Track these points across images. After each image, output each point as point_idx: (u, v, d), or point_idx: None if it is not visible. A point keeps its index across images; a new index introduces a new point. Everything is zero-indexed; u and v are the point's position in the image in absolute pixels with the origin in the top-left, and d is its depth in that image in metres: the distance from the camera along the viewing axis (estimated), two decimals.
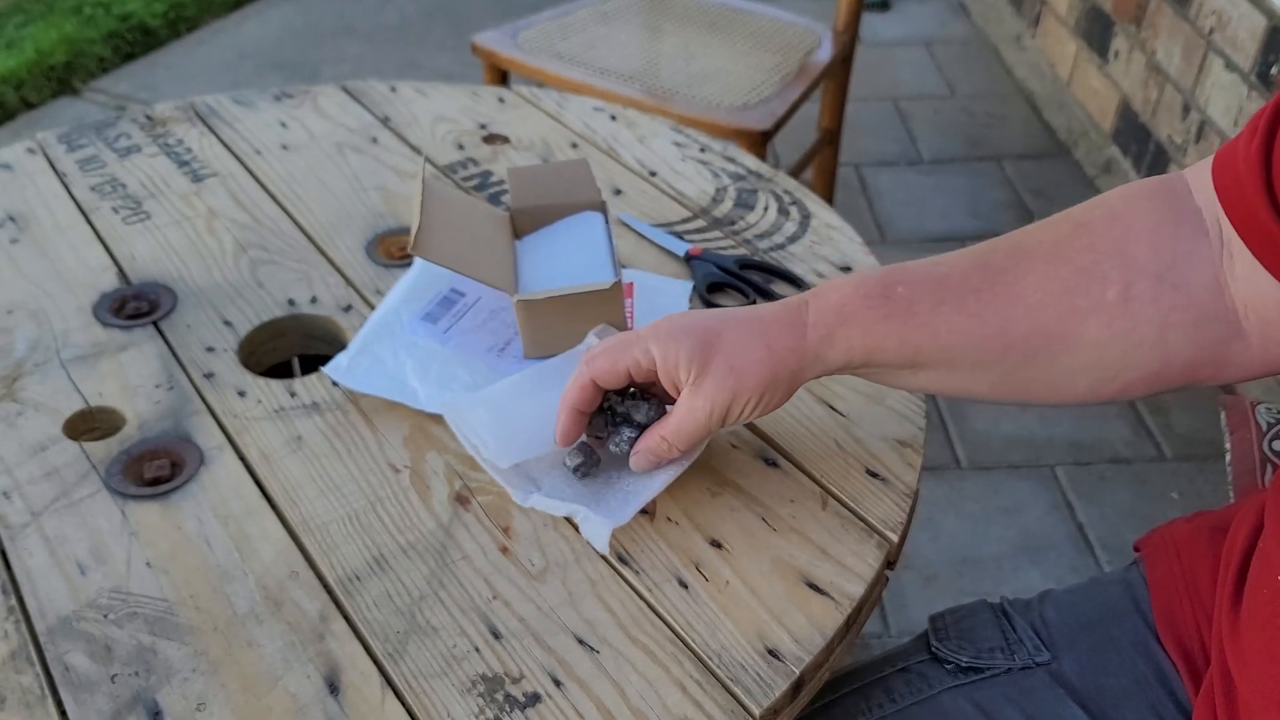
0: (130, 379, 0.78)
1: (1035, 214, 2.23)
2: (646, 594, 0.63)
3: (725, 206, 0.97)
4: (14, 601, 0.63)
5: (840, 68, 1.85)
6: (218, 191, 0.98)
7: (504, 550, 0.66)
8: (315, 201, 0.96)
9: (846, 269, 0.89)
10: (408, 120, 1.08)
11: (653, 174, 1.01)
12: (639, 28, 1.86)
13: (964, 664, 0.70)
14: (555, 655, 0.60)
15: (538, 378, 0.71)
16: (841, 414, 0.75)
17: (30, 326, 0.82)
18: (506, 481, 0.68)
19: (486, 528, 0.67)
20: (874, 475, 0.71)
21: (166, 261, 0.89)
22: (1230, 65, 1.84)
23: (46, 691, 0.58)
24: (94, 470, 0.71)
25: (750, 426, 0.74)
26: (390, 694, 0.58)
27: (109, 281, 0.87)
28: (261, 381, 0.78)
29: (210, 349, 0.81)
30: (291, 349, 0.86)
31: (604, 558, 0.65)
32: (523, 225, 0.84)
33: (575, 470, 0.68)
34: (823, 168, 1.98)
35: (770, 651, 0.60)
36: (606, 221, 0.82)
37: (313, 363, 0.81)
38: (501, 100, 1.12)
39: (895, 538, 0.67)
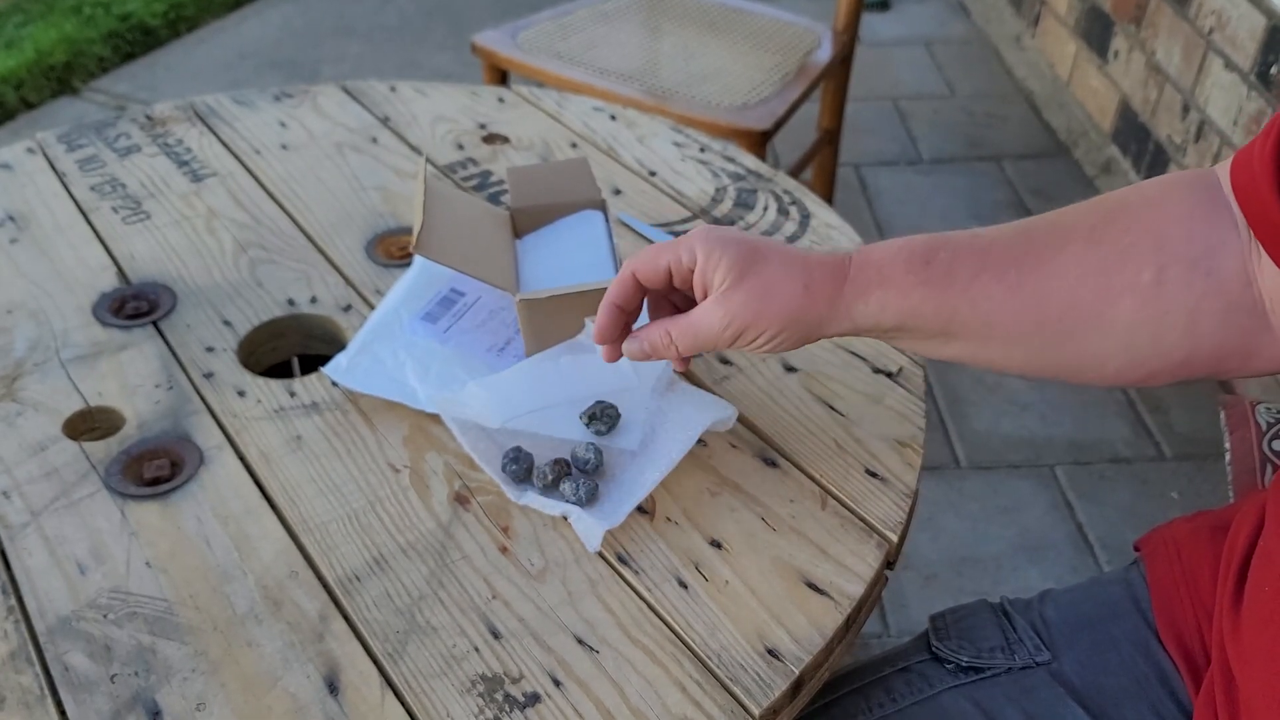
0: (130, 379, 0.78)
1: (1035, 213, 2.22)
2: (646, 594, 0.63)
3: (725, 206, 0.97)
4: (13, 601, 0.63)
5: (840, 68, 1.85)
6: (217, 191, 0.98)
7: (503, 550, 0.66)
8: (315, 201, 0.96)
9: None
10: (407, 120, 1.08)
11: (652, 174, 1.01)
12: (639, 27, 1.86)
13: (964, 664, 0.70)
14: (555, 655, 0.60)
15: (533, 365, 0.72)
16: (841, 414, 0.75)
17: (30, 326, 0.82)
18: (500, 479, 0.69)
19: (486, 527, 0.67)
20: (874, 475, 0.71)
21: (166, 261, 0.89)
22: (1230, 65, 1.84)
23: (46, 691, 0.58)
24: (93, 470, 0.71)
25: (750, 427, 0.74)
26: (390, 694, 0.58)
27: (108, 281, 0.87)
28: (261, 381, 0.78)
29: (210, 349, 0.80)
30: (291, 349, 0.86)
31: (604, 558, 0.65)
32: (523, 224, 0.84)
33: (599, 434, 0.71)
34: (822, 168, 1.98)
35: (770, 651, 0.60)
36: (607, 220, 0.82)
37: (312, 363, 0.81)
38: (501, 100, 1.12)
39: (895, 537, 0.67)
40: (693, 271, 0.64)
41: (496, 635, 0.61)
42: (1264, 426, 0.87)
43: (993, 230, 0.65)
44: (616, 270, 0.75)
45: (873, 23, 2.93)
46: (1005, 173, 2.36)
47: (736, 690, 0.58)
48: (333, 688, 0.58)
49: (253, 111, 1.09)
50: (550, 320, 0.75)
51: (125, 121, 1.07)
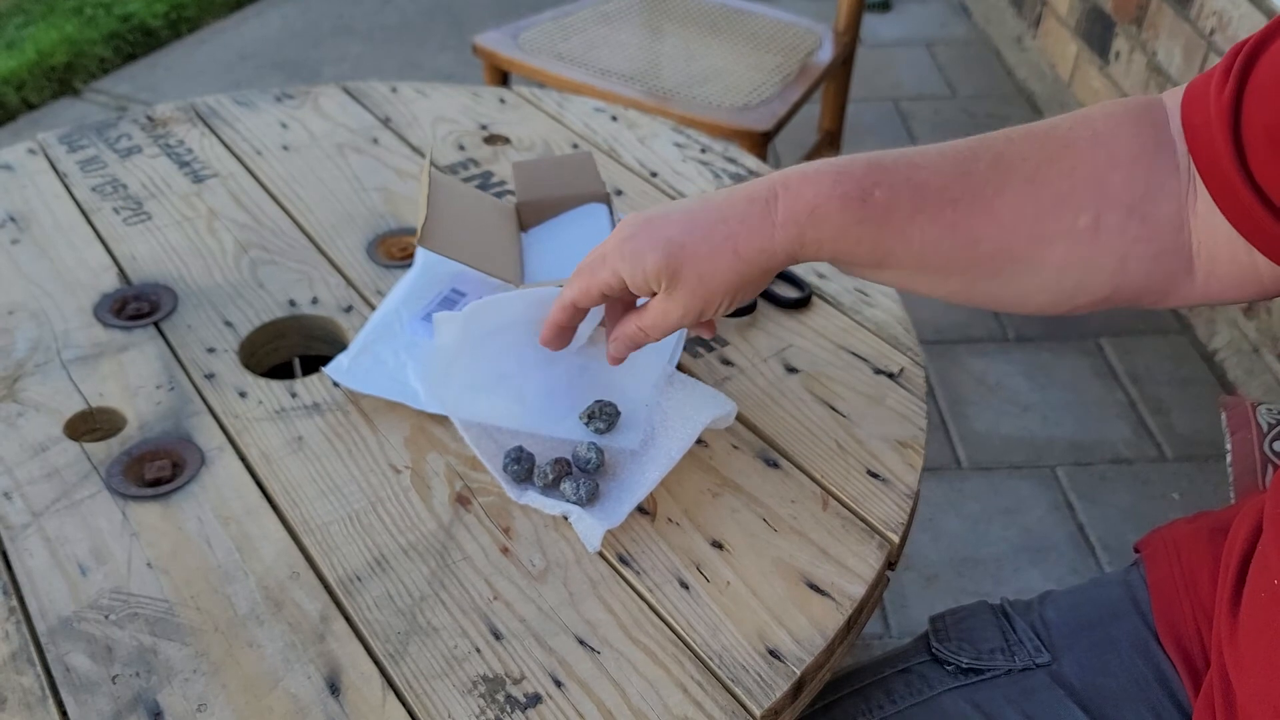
0: (131, 379, 0.78)
1: None
2: (647, 595, 0.63)
3: None
4: (15, 602, 0.63)
5: (841, 68, 1.85)
6: (218, 192, 0.98)
7: (504, 551, 0.66)
8: (316, 202, 0.97)
9: None
10: (408, 120, 1.08)
11: (653, 175, 1.01)
12: (640, 28, 1.86)
13: (964, 665, 0.70)
14: (556, 656, 0.60)
15: (497, 310, 0.72)
16: (842, 414, 0.75)
17: (31, 327, 0.82)
18: (501, 478, 0.69)
19: (487, 528, 0.67)
20: (874, 476, 0.71)
21: (167, 262, 0.89)
22: None
23: (47, 692, 0.58)
24: (95, 471, 0.71)
25: (750, 427, 0.74)
26: (391, 695, 0.58)
27: (110, 282, 0.87)
28: (262, 382, 0.78)
29: (211, 349, 0.81)
30: (292, 349, 0.86)
31: (605, 559, 0.66)
32: (528, 218, 0.84)
33: (598, 432, 0.71)
34: None
35: (771, 652, 0.60)
36: (611, 214, 0.82)
37: (313, 363, 0.81)
38: (502, 101, 1.12)
39: (896, 538, 0.67)
40: (625, 289, 0.65)
41: (498, 636, 0.61)
42: (1265, 428, 0.87)
43: (932, 158, 0.63)
44: None
45: (874, 23, 2.93)
46: None
47: (738, 691, 0.58)
48: (334, 688, 0.58)
49: (254, 112, 1.09)
50: None
51: (126, 122, 1.07)
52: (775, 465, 0.72)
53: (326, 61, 2.78)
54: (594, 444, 0.70)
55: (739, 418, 0.75)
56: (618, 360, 0.70)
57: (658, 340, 0.68)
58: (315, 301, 0.85)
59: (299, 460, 0.72)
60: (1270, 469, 0.85)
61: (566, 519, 0.67)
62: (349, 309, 0.85)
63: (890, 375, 0.79)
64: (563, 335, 0.70)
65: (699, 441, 0.72)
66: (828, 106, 1.91)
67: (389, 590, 0.64)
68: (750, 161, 1.02)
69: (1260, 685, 0.57)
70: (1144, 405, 1.80)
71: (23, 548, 0.66)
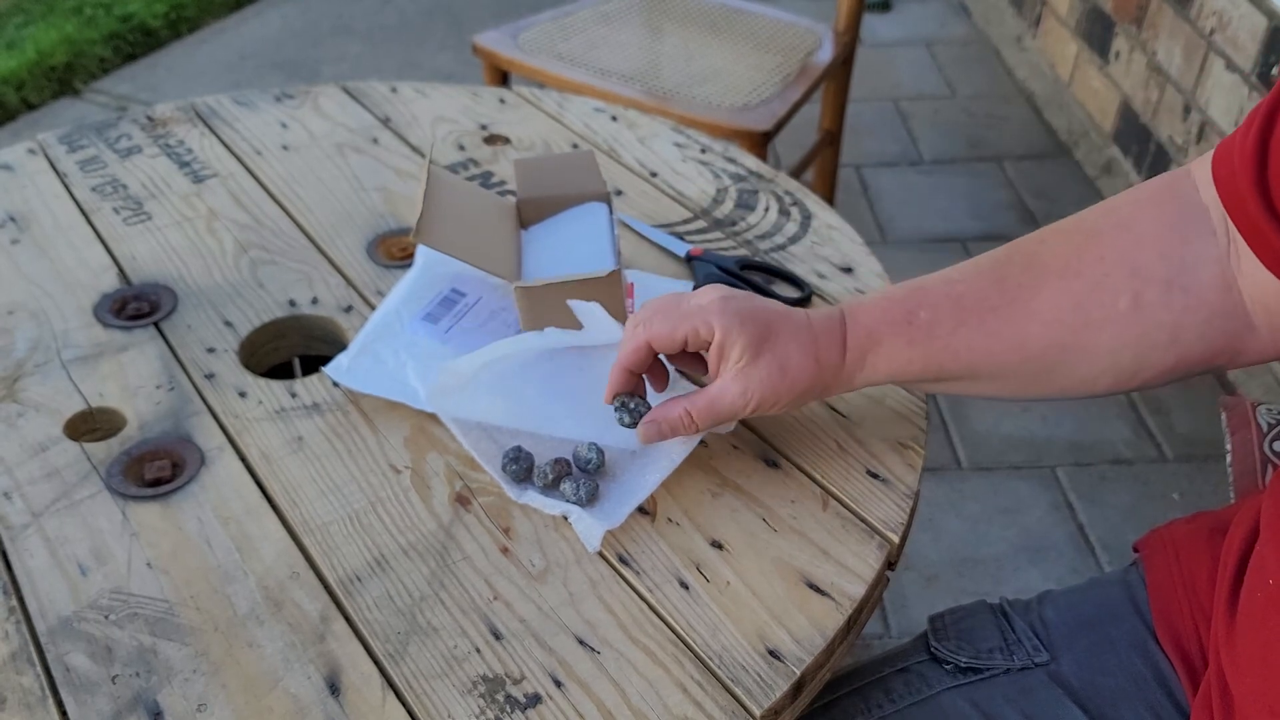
0: (131, 379, 0.78)
1: (1036, 214, 2.23)
2: (647, 595, 0.63)
3: (726, 207, 0.97)
4: (15, 602, 0.63)
5: (841, 68, 1.85)
6: (218, 192, 0.98)
7: (504, 551, 0.66)
8: (316, 202, 0.97)
9: (848, 270, 0.89)
10: (408, 120, 1.08)
11: (653, 175, 1.01)
12: (639, 28, 1.86)
13: (963, 664, 0.70)
14: (556, 656, 0.60)
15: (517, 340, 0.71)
16: (842, 414, 0.76)
17: (31, 327, 0.82)
18: (501, 478, 0.69)
19: (487, 528, 0.67)
20: (875, 476, 0.71)
21: (167, 262, 0.89)
22: (1231, 66, 1.84)
23: (47, 692, 0.58)
24: (95, 471, 0.71)
25: (750, 427, 0.74)
26: (391, 695, 0.58)
27: (110, 282, 0.87)
28: (262, 382, 0.78)
29: (211, 349, 0.81)
30: (292, 349, 0.86)
31: (605, 559, 0.66)
32: (529, 215, 0.84)
33: (622, 423, 0.68)
34: (823, 168, 1.98)
35: (771, 652, 0.60)
36: (611, 212, 0.82)
37: (313, 363, 0.81)
38: (502, 101, 1.12)
39: (896, 538, 0.67)
40: (708, 344, 0.65)
41: (498, 636, 0.61)
42: (1265, 428, 0.87)
43: (968, 273, 0.66)
44: (616, 260, 0.76)
45: (874, 23, 2.93)
46: (1006, 173, 2.36)
47: (738, 691, 0.58)
48: (334, 688, 0.58)
49: (253, 112, 1.09)
50: (549, 309, 0.75)
51: (126, 122, 1.07)
52: (775, 465, 0.72)
53: (326, 61, 2.78)
54: (594, 444, 0.70)
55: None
56: (647, 442, 0.68)
57: (694, 433, 0.67)
58: (315, 301, 0.85)
59: (299, 460, 0.72)
60: (1270, 469, 0.85)
61: (566, 519, 0.67)
62: (349, 309, 0.85)
63: None
64: (629, 382, 0.68)
65: (699, 442, 0.71)
66: (828, 106, 1.91)
67: (389, 590, 0.64)
68: (750, 161, 1.02)
69: (1256, 685, 0.58)
70: (1144, 405, 1.80)
71: (23, 548, 0.66)
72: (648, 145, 1.05)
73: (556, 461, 0.69)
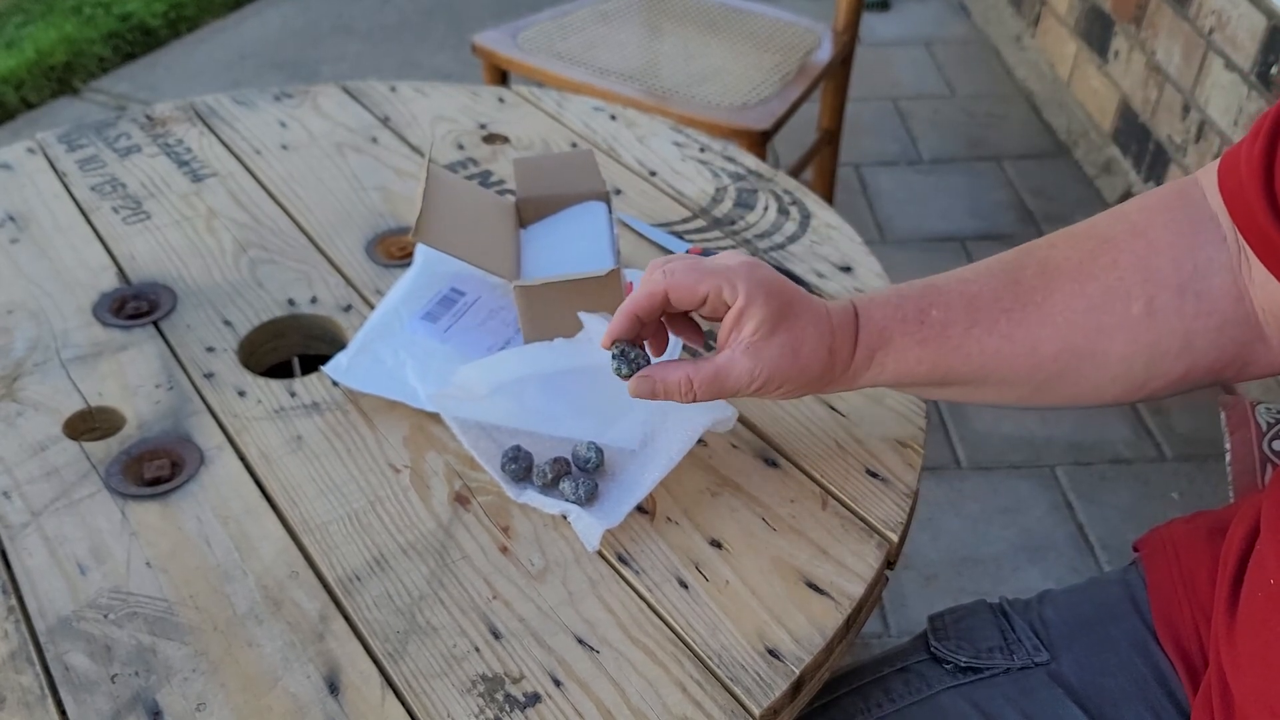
0: (130, 379, 0.78)
1: (1035, 214, 2.23)
2: (647, 594, 0.63)
3: (725, 206, 0.97)
4: (14, 601, 0.63)
5: (840, 68, 1.85)
6: (217, 191, 0.98)
7: (504, 550, 0.66)
8: (315, 201, 0.97)
9: (847, 269, 0.89)
10: (407, 120, 1.08)
11: (653, 174, 1.01)
12: (639, 27, 1.86)
13: (963, 664, 0.70)
14: (555, 655, 0.60)
15: (527, 350, 0.71)
16: (842, 414, 0.75)
17: (30, 326, 0.82)
18: (500, 477, 0.69)
19: (486, 527, 0.67)
20: (874, 475, 0.71)
21: (166, 261, 0.89)
22: (1230, 65, 1.84)
23: (46, 691, 0.58)
24: (94, 470, 0.71)
25: (750, 426, 0.74)
26: (390, 694, 0.58)
27: (109, 281, 0.87)
28: (261, 381, 0.78)
29: (210, 349, 0.81)
30: (291, 349, 0.86)
31: (604, 558, 0.66)
32: (528, 214, 0.84)
33: (619, 374, 0.64)
34: (822, 168, 1.98)
35: (770, 651, 0.60)
36: (610, 211, 0.82)
37: (313, 362, 0.81)
38: (501, 100, 1.12)
39: (895, 538, 0.67)
40: (727, 308, 0.62)
41: (497, 635, 0.61)
42: (1264, 427, 0.87)
43: (982, 273, 0.65)
44: (615, 259, 0.76)
45: (873, 23, 2.93)
46: (1005, 173, 2.36)
47: (737, 690, 0.58)
48: (333, 688, 0.58)
49: (253, 111, 1.09)
50: (548, 307, 0.75)
51: (125, 121, 1.07)
52: (774, 464, 0.72)
53: (325, 61, 2.78)
54: (593, 443, 0.70)
55: (739, 417, 0.75)
56: (638, 395, 0.65)
57: (693, 401, 0.64)
58: (314, 301, 0.85)
59: (298, 459, 0.72)
60: (1269, 468, 0.85)
61: (565, 518, 0.67)
62: (348, 308, 0.85)
63: None
64: (633, 328, 0.63)
65: (698, 441, 0.71)
66: (827, 106, 1.91)
67: (388, 590, 0.64)
68: (749, 161, 1.02)
69: (1256, 684, 0.58)
70: (1143, 405, 1.80)
71: (22, 547, 0.66)
72: (647, 144, 1.05)
73: (555, 461, 0.69)
